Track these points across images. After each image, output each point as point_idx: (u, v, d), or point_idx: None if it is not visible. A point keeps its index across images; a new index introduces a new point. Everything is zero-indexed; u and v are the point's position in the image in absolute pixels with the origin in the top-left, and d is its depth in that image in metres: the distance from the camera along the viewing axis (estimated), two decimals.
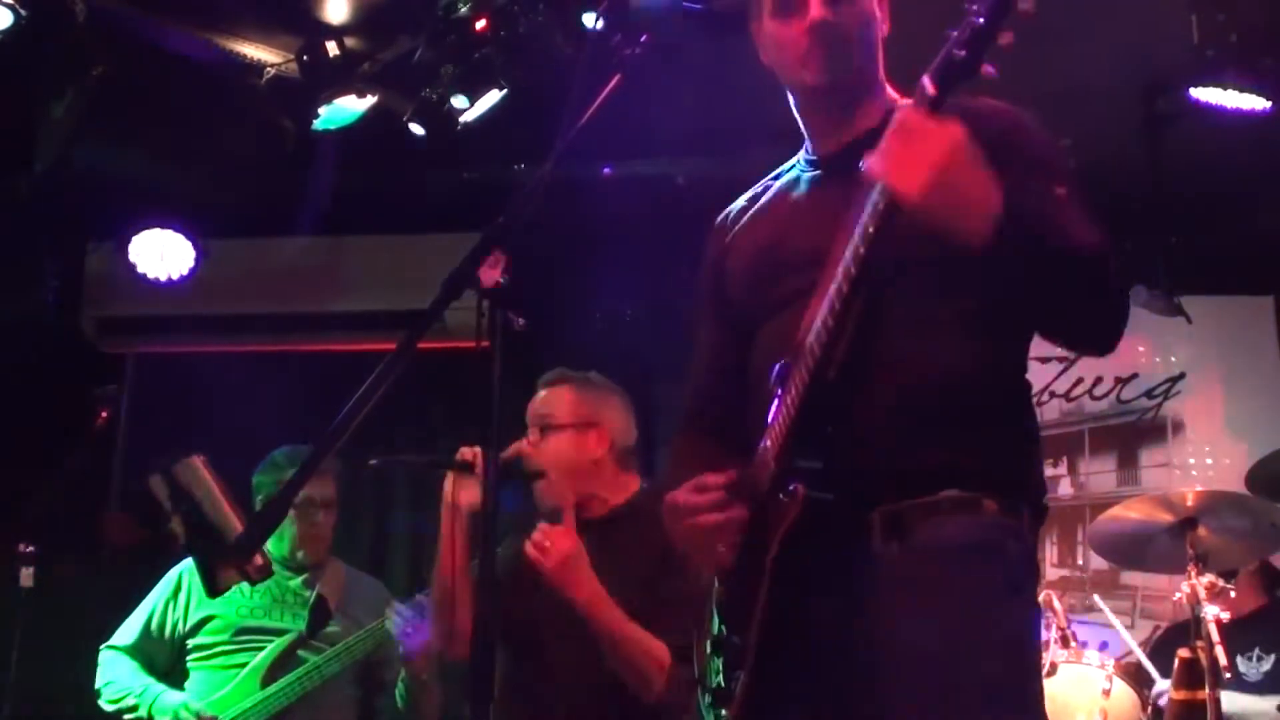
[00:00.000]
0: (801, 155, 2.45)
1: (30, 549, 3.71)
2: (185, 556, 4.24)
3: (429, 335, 2.12)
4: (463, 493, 3.19)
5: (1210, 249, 5.85)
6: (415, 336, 2.10)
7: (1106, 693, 4.21)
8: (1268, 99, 4.72)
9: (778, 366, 2.18)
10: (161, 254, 5.78)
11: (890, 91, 2.38)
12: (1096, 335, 2.23)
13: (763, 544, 2.14)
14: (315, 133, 5.04)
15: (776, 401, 2.18)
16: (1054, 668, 4.24)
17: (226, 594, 4.22)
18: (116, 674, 4.17)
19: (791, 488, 2.09)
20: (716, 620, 2.32)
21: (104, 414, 3.74)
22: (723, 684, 2.26)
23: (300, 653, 4.16)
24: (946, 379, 2.14)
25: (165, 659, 4.22)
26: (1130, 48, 4.79)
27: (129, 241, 5.75)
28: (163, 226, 5.77)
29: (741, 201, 2.52)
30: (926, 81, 1.91)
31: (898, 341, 2.13)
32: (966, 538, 2.08)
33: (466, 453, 3.18)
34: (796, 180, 2.41)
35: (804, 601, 2.14)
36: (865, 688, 2.08)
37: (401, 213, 5.87)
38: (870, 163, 1.94)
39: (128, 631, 4.25)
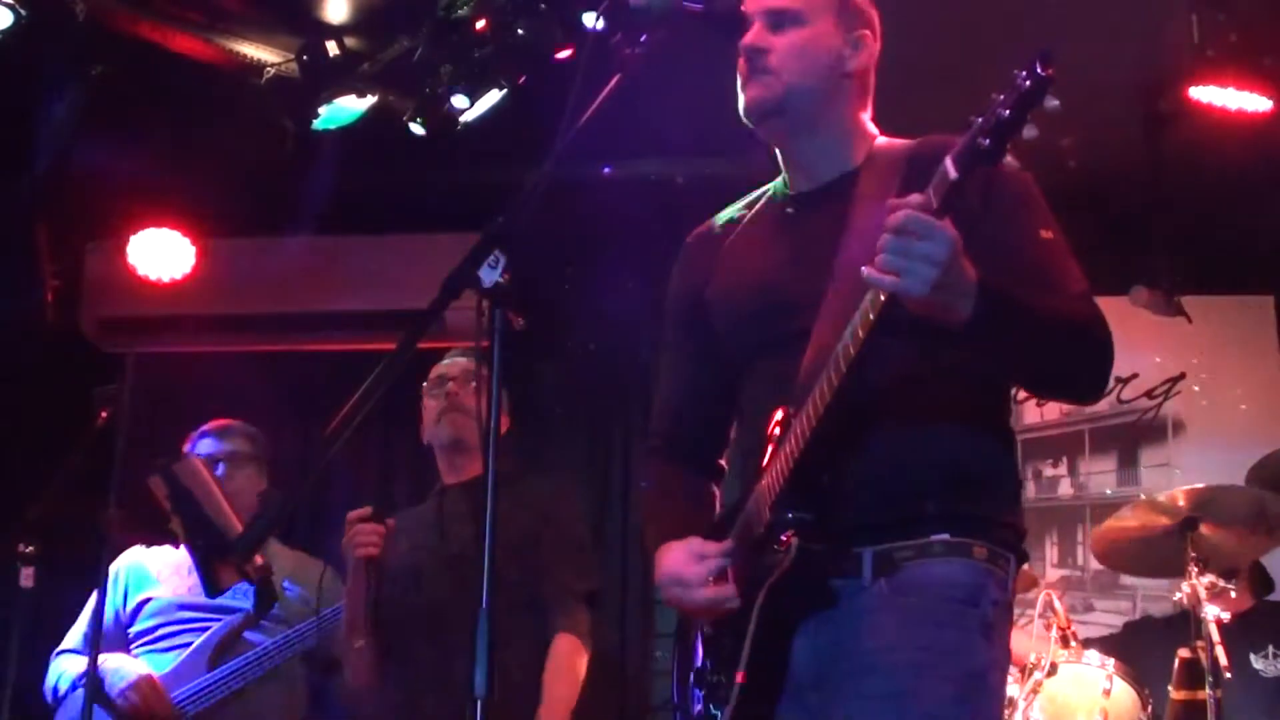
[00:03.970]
0: (779, 185, 2.46)
1: (30, 549, 3.71)
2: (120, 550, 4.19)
3: (429, 335, 2.12)
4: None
5: (1210, 249, 5.85)
6: (415, 336, 2.10)
7: (1107, 693, 4.21)
8: (1268, 99, 4.72)
9: (780, 413, 2.22)
10: (161, 254, 5.78)
11: (871, 128, 2.40)
12: (1079, 394, 2.37)
13: (753, 589, 2.19)
14: (315, 133, 5.04)
15: (775, 447, 2.21)
16: (1054, 668, 4.24)
17: (160, 574, 4.18)
18: (65, 668, 4.11)
19: (784, 538, 2.13)
20: (701, 653, 2.36)
21: (104, 414, 3.73)
22: (704, 716, 2.30)
23: (246, 634, 4.09)
24: (940, 428, 2.21)
25: (113, 648, 4.11)
26: (1130, 48, 4.79)
27: (129, 241, 5.75)
28: (162, 226, 5.77)
29: (716, 227, 2.52)
30: (949, 166, 1.92)
31: (895, 396, 2.19)
32: (953, 578, 2.15)
33: (372, 543, 3.45)
34: (776, 213, 2.43)
35: (789, 639, 2.19)
36: (837, 699, 2.14)
37: (401, 213, 5.87)
38: (873, 269, 1.96)
39: (75, 634, 4.20)
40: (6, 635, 3.74)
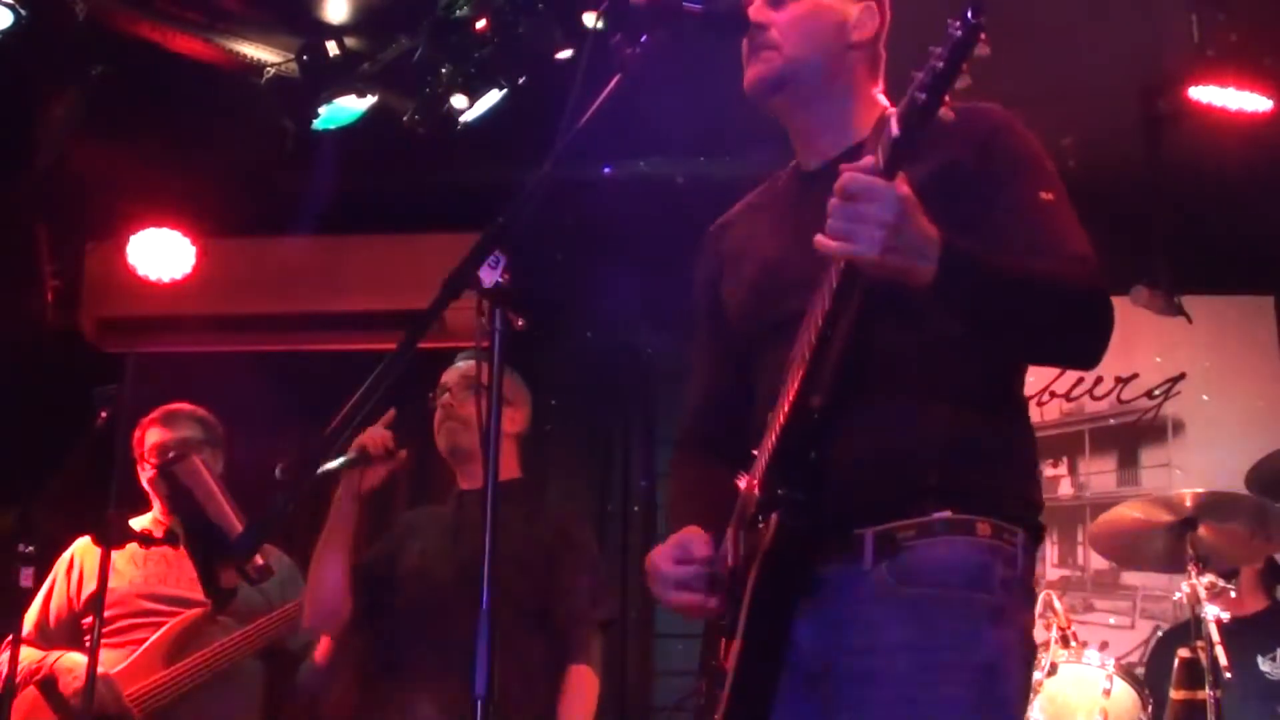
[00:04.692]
0: (791, 167, 2.43)
1: (30, 549, 3.69)
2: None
3: (429, 335, 2.12)
4: (367, 478, 3.46)
5: (1210, 249, 5.85)
6: (415, 336, 2.10)
7: (1107, 693, 4.21)
8: (1268, 99, 4.72)
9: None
10: (161, 254, 5.78)
11: (882, 100, 2.34)
12: (1070, 360, 2.30)
13: (745, 573, 2.14)
14: (315, 133, 5.04)
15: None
16: (1054, 668, 4.24)
17: (117, 561, 4.01)
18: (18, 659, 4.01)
19: (772, 516, 2.08)
20: (713, 644, 2.33)
21: (104, 414, 3.73)
22: (710, 706, 2.26)
23: (206, 629, 3.99)
24: (939, 400, 2.13)
25: (66, 640, 4.03)
26: (1130, 48, 4.79)
27: (129, 241, 5.76)
28: (162, 226, 5.77)
29: (732, 217, 2.50)
30: (893, 124, 1.89)
31: (887, 368, 2.12)
32: (955, 560, 2.06)
33: (374, 442, 3.42)
34: (786, 196, 2.39)
35: (786, 624, 2.12)
36: (839, 705, 2.08)
37: (401, 213, 5.87)
38: (822, 237, 1.94)
39: (28, 622, 3.98)
40: (6, 635, 3.74)
